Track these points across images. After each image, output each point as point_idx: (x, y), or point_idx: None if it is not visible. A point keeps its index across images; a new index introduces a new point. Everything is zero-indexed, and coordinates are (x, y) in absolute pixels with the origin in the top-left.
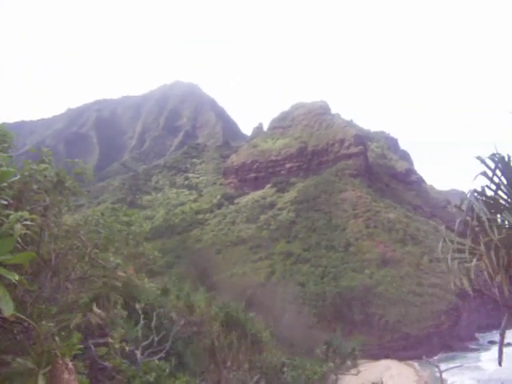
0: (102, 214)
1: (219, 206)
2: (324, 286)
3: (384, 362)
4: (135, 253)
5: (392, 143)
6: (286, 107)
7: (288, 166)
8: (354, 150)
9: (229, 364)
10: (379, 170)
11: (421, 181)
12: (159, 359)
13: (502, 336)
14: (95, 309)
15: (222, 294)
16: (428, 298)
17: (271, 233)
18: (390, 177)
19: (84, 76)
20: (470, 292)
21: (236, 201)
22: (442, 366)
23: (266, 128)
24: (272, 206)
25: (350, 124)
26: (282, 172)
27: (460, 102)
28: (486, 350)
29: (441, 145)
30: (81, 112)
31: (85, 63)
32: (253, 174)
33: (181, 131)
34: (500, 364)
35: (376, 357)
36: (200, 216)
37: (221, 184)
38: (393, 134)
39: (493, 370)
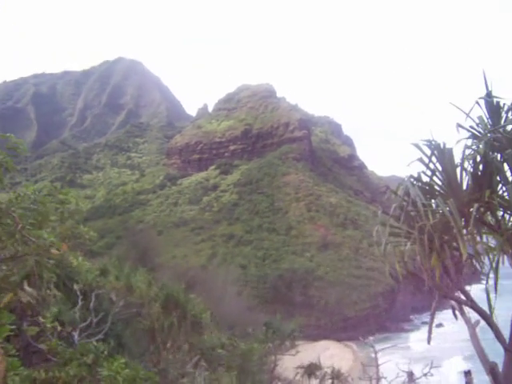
0: (37, 191)
1: (162, 186)
2: (265, 268)
3: (323, 343)
4: (71, 232)
5: (336, 128)
6: (231, 89)
7: (232, 148)
8: (298, 134)
9: (169, 345)
10: (322, 154)
11: (363, 166)
12: (97, 341)
13: (432, 317)
14: (26, 287)
15: (164, 275)
16: (366, 280)
17: (214, 215)
18: (333, 161)
19: (21, 48)
20: (402, 275)
21: (179, 182)
22: (378, 346)
23: (210, 109)
24: (215, 187)
25: (294, 108)
26: (226, 154)
27: (405, 91)
28: (419, 330)
29: (383, 131)
30: (17, 86)
31: (23, 34)
32: (196, 156)
33: (124, 109)
34: (429, 342)
35: (315, 338)
36: (142, 196)
37: (164, 164)
38: (337, 120)
39: (424, 348)
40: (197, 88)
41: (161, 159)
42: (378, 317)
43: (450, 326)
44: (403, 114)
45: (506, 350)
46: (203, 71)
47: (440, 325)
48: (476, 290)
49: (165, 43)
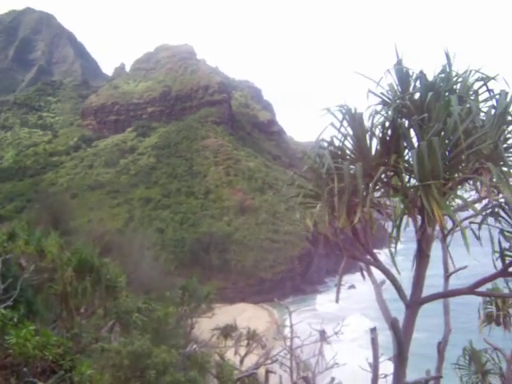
0: None
1: (76, 148)
2: (183, 232)
3: (239, 306)
4: None
5: (256, 93)
6: (150, 48)
7: (150, 110)
8: (217, 97)
9: (82, 310)
10: (242, 118)
11: (282, 132)
12: (6, 308)
13: (340, 277)
14: None
15: (78, 239)
16: (283, 244)
17: (131, 178)
18: (252, 126)
19: None
20: (316, 237)
21: (94, 144)
22: (292, 308)
23: (128, 69)
24: (132, 150)
25: (215, 71)
26: (144, 116)
27: (323, 58)
28: (333, 292)
29: (302, 97)
30: None
31: None
32: (113, 117)
33: (34, 65)
34: (337, 301)
35: (232, 301)
36: (55, 158)
37: (78, 125)
38: (257, 84)
39: (335, 309)
40: (113, 46)
41: (75, 120)
42: (293, 279)
43: (362, 288)
44: (323, 80)
45: (406, 306)
46: (120, 29)
47: (352, 286)
48: (387, 254)
49: None
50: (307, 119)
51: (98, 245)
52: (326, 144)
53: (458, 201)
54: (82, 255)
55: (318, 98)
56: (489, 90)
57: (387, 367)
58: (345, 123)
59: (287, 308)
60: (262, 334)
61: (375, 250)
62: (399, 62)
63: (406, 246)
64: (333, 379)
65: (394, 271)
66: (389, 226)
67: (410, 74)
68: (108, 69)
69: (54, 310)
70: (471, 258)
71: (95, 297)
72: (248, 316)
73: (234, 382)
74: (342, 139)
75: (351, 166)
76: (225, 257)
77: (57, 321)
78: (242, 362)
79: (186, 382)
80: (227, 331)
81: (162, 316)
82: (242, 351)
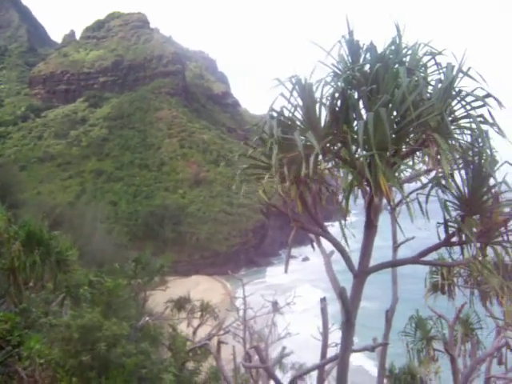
0: None
1: (24, 118)
2: (136, 205)
3: (194, 278)
4: None
5: (210, 64)
6: (101, 16)
7: (102, 79)
8: (171, 68)
9: (31, 284)
10: (196, 90)
11: (236, 104)
12: None
13: (289, 248)
14: None
15: (27, 212)
16: (237, 217)
17: (82, 150)
18: (207, 98)
19: None
20: (270, 210)
21: (43, 114)
22: (246, 280)
23: (78, 36)
24: (83, 121)
25: (168, 41)
26: (96, 86)
27: (279, 30)
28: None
29: (257, 69)
30: None
31: None
32: (63, 86)
33: None
34: (286, 272)
35: (187, 273)
36: (1, 129)
37: (26, 94)
38: (212, 55)
39: (287, 280)
40: (62, 12)
41: (22, 88)
42: (247, 252)
43: (316, 260)
44: (278, 51)
45: (354, 275)
46: None
47: (306, 258)
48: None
49: None
50: (262, 91)
51: (48, 218)
52: (275, 114)
53: (408, 173)
54: (30, 228)
55: (273, 70)
56: (437, 64)
57: (339, 336)
58: (295, 94)
59: (240, 280)
60: (216, 306)
61: (330, 223)
62: (350, 34)
63: (362, 218)
64: (284, 348)
65: (344, 243)
66: (337, 195)
67: (361, 45)
68: (57, 36)
69: (2, 285)
70: (424, 229)
71: (45, 270)
72: (202, 288)
73: (187, 353)
74: (292, 110)
75: (301, 137)
76: (179, 229)
77: (5, 296)
78: (194, 333)
79: (138, 354)
80: (181, 303)
81: (112, 288)
82: (196, 323)
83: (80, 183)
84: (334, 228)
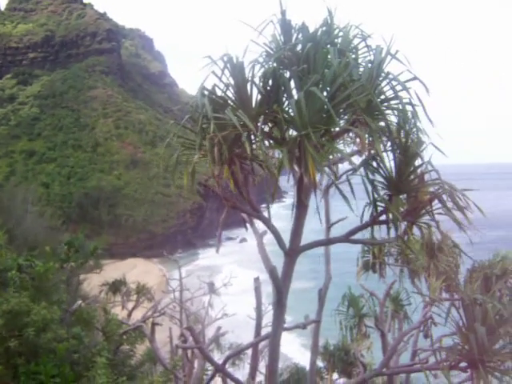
0: None
1: None
2: (70, 186)
3: (130, 261)
4: None
5: (147, 43)
6: None
7: (32, 55)
8: (106, 45)
9: None
10: (132, 69)
11: (174, 84)
12: None
13: (221, 228)
14: None
15: None
16: (175, 198)
17: (11, 129)
18: (143, 77)
19: None
20: (201, 187)
21: None
22: (183, 262)
23: (3, 7)
24: (12, 99)
25: (103, 17)
26: (25, 62)
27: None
28: (223, 245)
29: (195, 48)
30: None
31: None
32: None
33: None
34: (217, 252)
35: (123, 256)
36: None
37: None
38: (148, 34)
39: (223, 262)
40: None
41: None
42: (185, 233)
43: (253, 241)
44: (215, 31)
45: (285, 254)
46: None
47: (244, 239)
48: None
49: None
50: (199, 71)
51: None
52: (207, 93)
53: (339, 154)
54: None
55: (210, 50)
56: (367, 46)
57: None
58: (227, 72)
59: (176, 262)
60: (152, 289)
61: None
62: (283, 13)
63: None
64: (219, 328)
65: (278, 224)
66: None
67: (293, 25)
68: None
69: None
70: (360, 210)
71: None
72: (139, 271)
73: (120, 336)
74: (224, 89)
75: (232, 116)
76: (115, 212)
77: None
78: (129, 315)
79: (70, 339)
80: (116, 286)
81: (42, 272)
82: (131, 306)
83: (9, 164)
84: (272, 209)
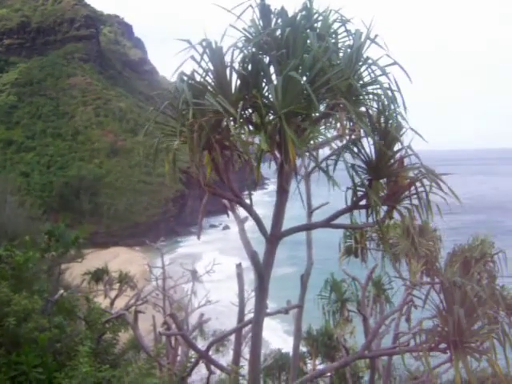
0: None
1: None
2: (50, 176)
3: (112, 250)
4: None
5: (126, 29)
6: None
7: (7, 42)
8: (84, 32)
9: None
10: (112, 56)
11: (154, 71)
12: None
13: (202, 214)
14: None
15: None
16: (157, 186)
17: None
18: (123, 64)
19: None
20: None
21: None
22: (165, 250)
23: None
24: None
25: (80, 3)
26: (0, 49)
27: None
28: (206, 233)
29: (175, 34)
30: None
31: None
32: None
33: None
34: (198, 238)
35: (105, 245)
36: None
37: None
38: (127, 20)
39: (207, 249)
40: None
41: None
42: (167, 221)
43: (236, 229)
44: (195, 17)
45: (267, 240)
46: None
47: (227, 227)
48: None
49: None
50: (180, 58)
51: None
52: (186, 78)
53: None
54: None
55: (187, 34)
56: (347, 31)
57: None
58: (206, 58)
59: (159, 250)
60: (135, 277)
61: (258, 191)
62: None
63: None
64: (202, 315)
65: (260, 211)
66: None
67: (272, 10)
68: None
69: None
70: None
71: None
72: (121, 260)
73: (103, 325)
74: (204, 74)
75: (211, 101)
76: (96, 200)
77: None
78: (112, 304)
79: (52, 328)
80: (98, 275)
81: (22, 261)
82: (114, 294)
83: None
84: (254, 197)
